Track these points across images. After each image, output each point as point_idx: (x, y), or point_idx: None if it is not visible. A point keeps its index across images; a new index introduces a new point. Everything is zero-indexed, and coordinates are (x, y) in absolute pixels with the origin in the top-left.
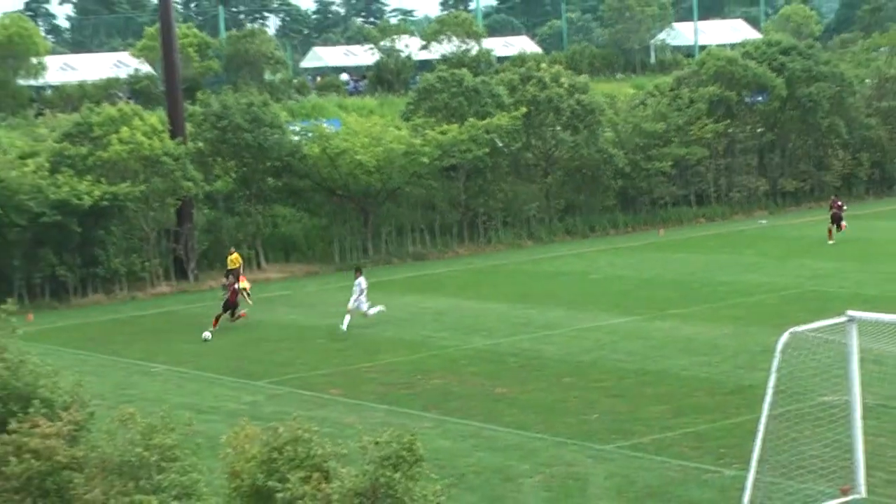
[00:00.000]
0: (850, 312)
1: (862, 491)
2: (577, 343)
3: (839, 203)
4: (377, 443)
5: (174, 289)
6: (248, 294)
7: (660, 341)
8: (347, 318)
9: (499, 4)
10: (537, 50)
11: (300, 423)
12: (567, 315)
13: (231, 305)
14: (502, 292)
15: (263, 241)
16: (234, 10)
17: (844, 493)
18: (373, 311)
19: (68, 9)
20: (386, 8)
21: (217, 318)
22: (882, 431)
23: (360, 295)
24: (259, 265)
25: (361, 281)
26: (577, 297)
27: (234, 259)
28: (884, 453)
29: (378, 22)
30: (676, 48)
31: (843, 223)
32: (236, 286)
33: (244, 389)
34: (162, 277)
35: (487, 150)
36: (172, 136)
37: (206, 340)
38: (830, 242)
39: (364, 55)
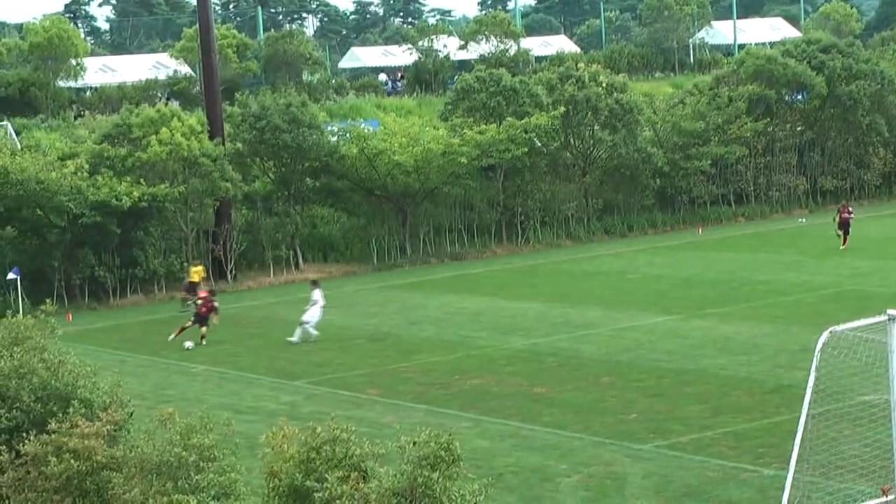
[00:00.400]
0: (891, 311)
1: None
2: (615, 342)
3: (849, 209)
4: (415, 443)
5: (214, 289)
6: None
7: (698, 341)
8: (299, 330)
9: (537, 4)
10: (576, 49)
11: (338, 422)
12: (605, 315)
13: (203, 318)
14: (540, 292)
15: (301, 242)
16: (272, 10)
17: (885, 492)
18: (310, 332)
19: (108, 11)
20: (424, 8)
21: (182, 329)
22: None
23: (313, 308)
24: (297, 265)
25: (317, 294)
26: (615, 297)
27: (198, 271)
28: None
29: (416, 22)
30: (715, 47)
31: (847, 234)
32: (215, 302)
33: (283, 389)
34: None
35: (526, 149)
36: (211, 137)
37: (188, 349)
38: (842, 248)
39: (402, 55)
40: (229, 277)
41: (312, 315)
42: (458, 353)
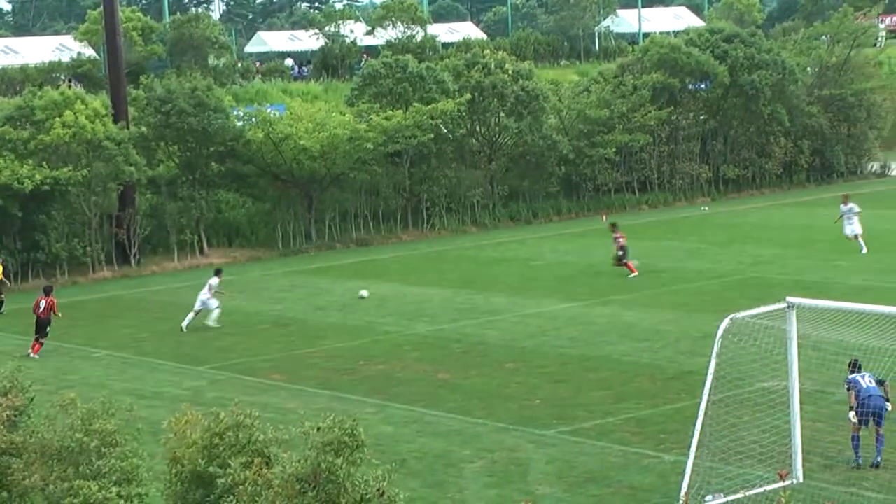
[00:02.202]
0: (790, 299)
1: (799, 476)
2: (520, 329)
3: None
4: (319, 428)
5: (116, 274)
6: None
7: (602, 327)
8: (191, 315)
9: None
10: (482, 36)
11: (242, 408)
12: (510, 301)
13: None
14: (446, 278)
15: (207, 227)
16: None
17: (782, 477)
18: (212, 320)
19: None
20: None
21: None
22: (820, 417)
23: (209, 294)
24: (202, 250)
25: (215, 281)
26: (520, 283)
27: None
28: (821, 439)
29: (323, 7)
30: (620, 35)
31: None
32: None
33: (186, 375)
34: (104, 262)
35: (432, 135)
36: (115, 121)
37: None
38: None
39: (309, 40)
40: (133, 262)
41: (206, 303)
42: (363, 338)
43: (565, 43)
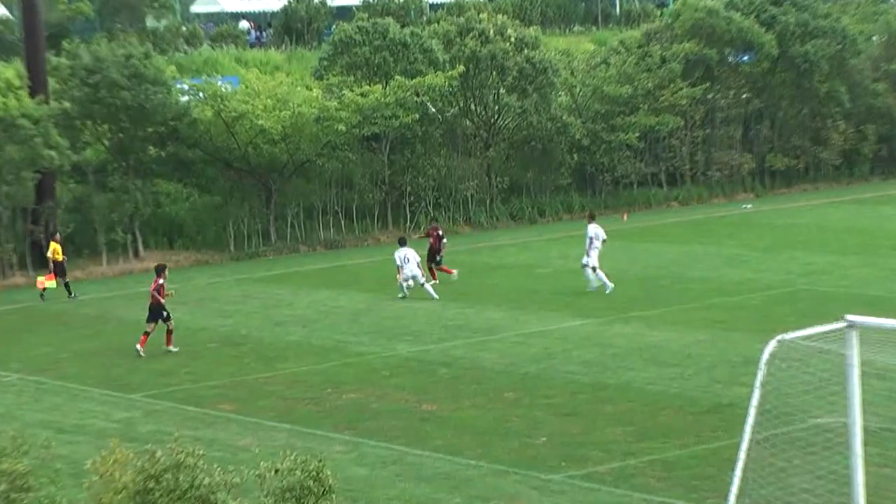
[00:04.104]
0: (850, 317)
1: None
2: (521, 351)
3: None
4: (277, 470)
5: (31, 280)
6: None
7: (621, 349)
8: None
9: None
10: None
11: (183, 445)
12: (510, 317)
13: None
14: (434, 289)
15: (143, 224)
16: None
17: None
18: None
19: None
20: None
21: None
22: (887, 461)
23: None
24: (137, 252)
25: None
26: (522, 296)
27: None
28: (889, 487)
29: None
30: None
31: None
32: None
33: (116, 404)
34: (16, 266)
35: (417, 116)
36: (32, 94)
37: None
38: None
39: (269, 0)
40: (51, 265)
41: None
42: (331, 360)
43: (580, 5)
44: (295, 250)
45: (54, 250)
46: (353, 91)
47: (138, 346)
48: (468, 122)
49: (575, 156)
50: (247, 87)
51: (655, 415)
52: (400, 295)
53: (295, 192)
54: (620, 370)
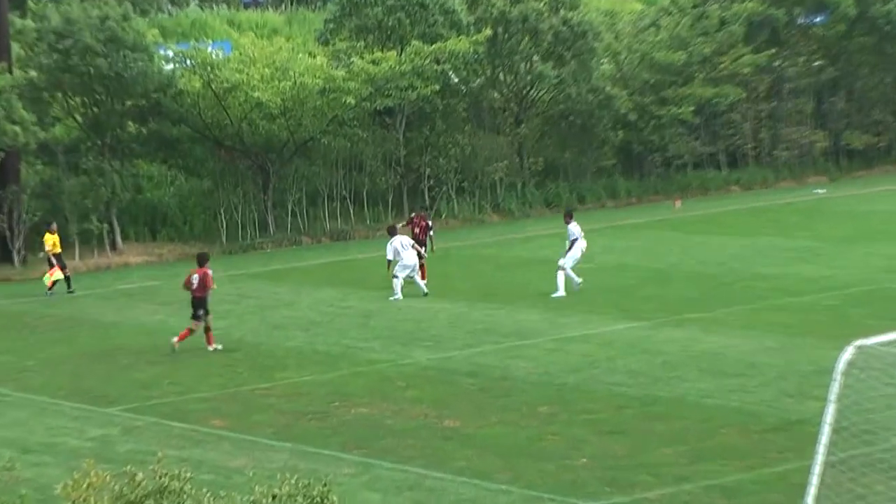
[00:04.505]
0: None
1: None
2: (558, 358)
3: None
4: (275, 496)
5: None
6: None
7: (674, 357)
8: None
9: None
10: None
11: (167, 466)
12: (545, 319)
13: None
14: (456, 287)
15: (121, 211)
16: None
17: None
18: None
19: None
20: None
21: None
22: None
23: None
24: (114, 245)
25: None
26: None
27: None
28: None
29: None
30: None
31: None
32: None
33: (90, 419)
34: None
35: (437, 87)
36: None
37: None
38: None
39: None
40: (16, 259)
41: None
42: (339, 370)
43: None
44: (296, 242)
45: (53, 243)
46: (363, 58)
47: (174, 340)
48: (496, 94)
49: (620, 133)
50: (241, 53)
51: (713, 433)
52: (394, 297)
53: (296, 175)
54: (673, 381)
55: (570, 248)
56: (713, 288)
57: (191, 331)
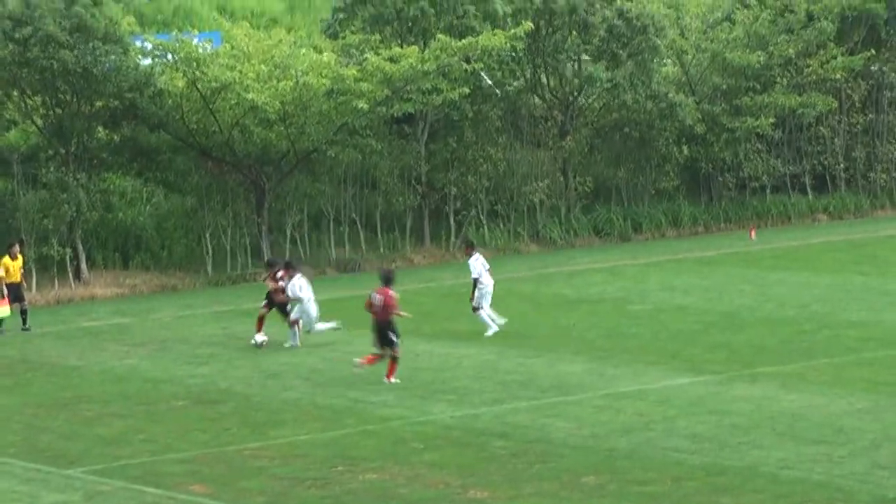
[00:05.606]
0: None
1: None
2: (607, 418)
3: None
4: None
5: None
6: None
7: (746, 419)
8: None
9: None
10: None
11: None
12: (592, 370)
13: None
14: (484, 329)
15: (87, 233)
16: None
17: None
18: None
19: None
20: None
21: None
22: None
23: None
24: (78, 273)
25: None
26: (609, 342)
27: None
28: None
29: None
30: None
31: None
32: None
33: (45, 482)
34: None
35: (467, 90)
36: None
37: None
38: None
39: None
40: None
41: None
42: (344, 427)
43: None
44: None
45: (6, 270)
46: (378, 55)
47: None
48: (537, 99)
49: (685, 148)
50: (232, 47)
51: None
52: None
53: (297, 192)
54: (743, 448)
55: (474, 289)
56: (793, 336)
57: (393, 358)
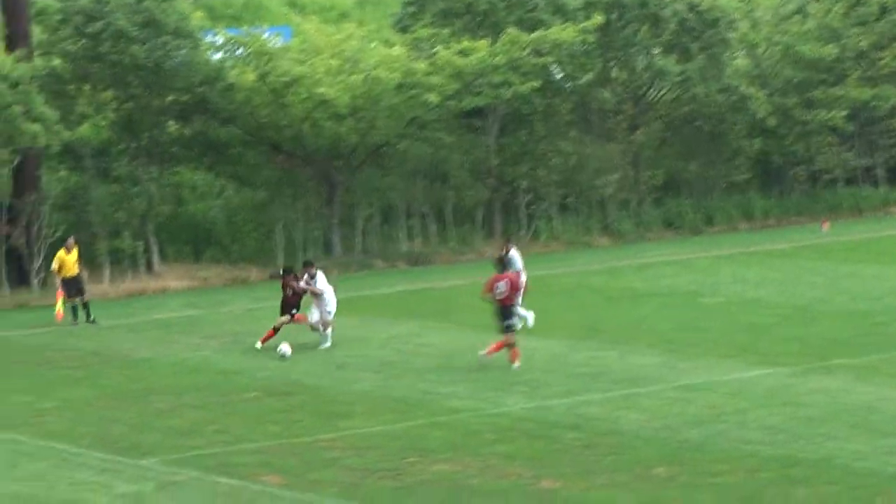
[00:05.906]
0: None
1: None
2: (679, 410)
3: None
4: None
5: (6, 301)
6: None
7: (820, 411)
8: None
9: None
10: None
11: None
12: (664, 363)
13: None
14: (557, 322)
15: (159, 227)
16: None
17: None
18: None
19: None
20: None
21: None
22: None
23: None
24: (150, 265)
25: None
26: (680, 334)
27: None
28: None
29: None
30: None
31: None
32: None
33: (119, 473)
34: None
35: (538, 84)
36: (10, 48)
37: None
38: None
39: None
40: (35, 282)
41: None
42: (415, 418)
43: None
44: (367, 266)
45: (62, 265)
46: (448, 48)
47: (515, 364)
48: (608, 93)
49: (756, 141)
50: (303, 41)
51: (867, 503)
52: (325, 345)
53: (367, 186)
54: (818, 440)
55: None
56: (867, 328)
57: (509, 345)
